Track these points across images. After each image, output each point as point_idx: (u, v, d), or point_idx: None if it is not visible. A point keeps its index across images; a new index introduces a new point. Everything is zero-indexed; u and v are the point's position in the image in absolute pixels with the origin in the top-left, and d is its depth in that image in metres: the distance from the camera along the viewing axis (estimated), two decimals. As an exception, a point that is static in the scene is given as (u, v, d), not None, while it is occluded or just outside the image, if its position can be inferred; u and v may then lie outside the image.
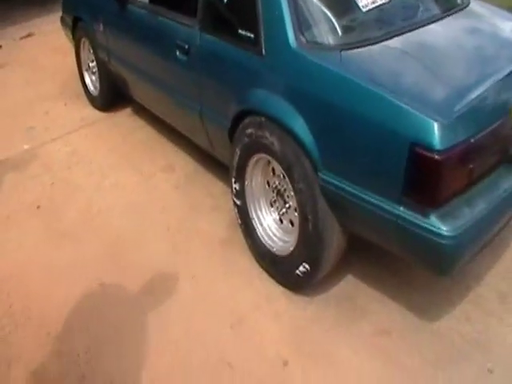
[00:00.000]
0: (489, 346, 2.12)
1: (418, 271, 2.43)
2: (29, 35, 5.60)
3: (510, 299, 2.30)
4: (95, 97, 3.96)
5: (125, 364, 2.14)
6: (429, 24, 2.21)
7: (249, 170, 2.39)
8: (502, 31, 2.34)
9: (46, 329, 2.29)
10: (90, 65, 3.92)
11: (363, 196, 1.86)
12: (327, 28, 2.07)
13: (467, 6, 2.46)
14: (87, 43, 3.84)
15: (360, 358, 2.10)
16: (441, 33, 2.21)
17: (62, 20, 4.16)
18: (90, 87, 4.02)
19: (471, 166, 1.74)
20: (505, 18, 2.50)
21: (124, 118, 3.92)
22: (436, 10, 2.35)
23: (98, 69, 3.73)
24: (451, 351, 2.11)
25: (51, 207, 3.04)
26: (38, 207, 3.04)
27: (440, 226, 1.71)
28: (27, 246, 2.76)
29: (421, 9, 2.30)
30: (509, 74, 1.94)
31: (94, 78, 3.95)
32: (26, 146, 3.62)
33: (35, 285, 2.52)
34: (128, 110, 3.98)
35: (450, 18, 2.32)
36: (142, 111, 3.79)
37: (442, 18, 2.28)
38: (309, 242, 2.14)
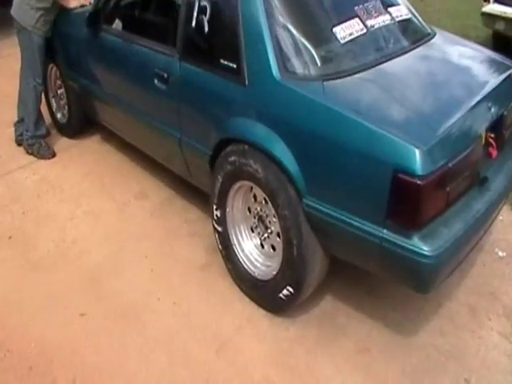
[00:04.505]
0: (463, 357, 2.25)
1: (392, 290, 2.55)
2: (-14, 61, 5.52)
3: (479, 313, 2.45)
4: (63, 124, 3.92)
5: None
6: (402, 55, 2.36)
7: (230, 196, 2.45)
8: (469, 61, 2.53)
9: (28, 363, 2.25)
10: (58, 91, 3.89)
11: (348, 220, 1.96)
12: (309, 59, 2.17)
13: (434, 36, 2.63)
14: (55, 70, 3.81)
15: (343, 374, 2.18)
16: (415, 63, 2.38)
17: None
18: (58, 114, 3.97)
19: (448, 189, 1.88)
20: (469, 47, 2.71)
21: (94, 144, 3.90)
22: (407, 41, 2.49)
23: (67, 96, 3.71)
24: (427, 364, 2.23)
25: (23, 237, 2.99)
26: (10, 237, 2.97)
27: (422, 246, 1.82)
28: (1, 277, 2.70)
29: (393, 40, 2.44)
30: (478, 103, 2.10)
31: (61, 104, 3.92)
32: (-9, 175, 3.55)
33: (13, 318, 2.47)
34: (97, 137, 3.96)
35: (421, 48, 2.47)
36: (111, 137, 3.78)
37: (413, 49, 2.44)
38: (293, 266, 2.20)
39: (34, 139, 3.69)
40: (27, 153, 3.73)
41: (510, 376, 2.16)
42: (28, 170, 3.57)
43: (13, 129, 3.85)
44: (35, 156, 3.70)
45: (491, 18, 4.95)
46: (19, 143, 3.82)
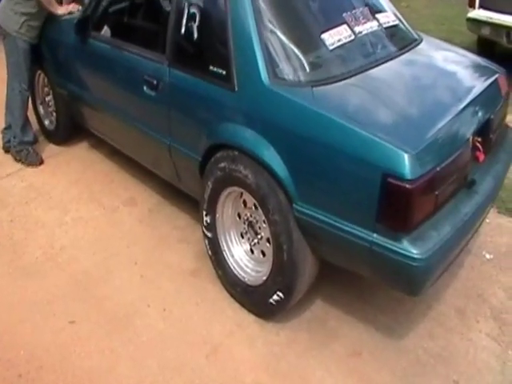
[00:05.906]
0: (452, 359, 2.27)
1: (381, 294, 2.57)
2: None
3: (468, 315, 2.47)
4: (51, 131, 3.90)
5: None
6: (389, 60, 2.38)
7: (220, 202, 2.45)
8: (455, 66, 2.57)
9: (17, 370, 2.23)
10: (46, 98, 3.87)
11: (338, 225, 1.97)
12: (297, 66, 2.19)
13: (420, 42, 2.66)
14: (42, 76, 3.79)
15: (335, 378, 2.19)
16: (403, 69, 2.41)
17: None
18: (45, 121, 3.95)
19: (437, 192, 1.90)
20: (455, 53, 2.75)
21: (82, 151, 3.88)
22: (395, 47, 2.52)
23: (55, 103, 3.69)
24: (417, 366, 2.25)
25: (12, 244, 2.96)
26: (-2, 244, 2.96)
27: (411, 249, 1.84)
28: (-11, 284, 2.68)
29: (380, 46, 2.47)
30: (465, 107, 2.14)
31: (49, 111, 3.90)
32: (-22, 183, 3.51)
33: (0, 325, 2.44)
34: (85, 144, 3.94)
35: (408, 54, 2.50)
36: (99, 145, 3.78)
37: (400, 55, 2.47)
38: (283, 272, 2.20)
39: (22, 146, 3.66)
40: (15, 160, 3.71)
41: (499, 376, 2.19)
42: (16, 178, 3.55)
43: (0, 136, 3.83)
44: (23, 163, 3.67)
45: (477, 23, 4.99)
46: (7, 150, 3.79)
